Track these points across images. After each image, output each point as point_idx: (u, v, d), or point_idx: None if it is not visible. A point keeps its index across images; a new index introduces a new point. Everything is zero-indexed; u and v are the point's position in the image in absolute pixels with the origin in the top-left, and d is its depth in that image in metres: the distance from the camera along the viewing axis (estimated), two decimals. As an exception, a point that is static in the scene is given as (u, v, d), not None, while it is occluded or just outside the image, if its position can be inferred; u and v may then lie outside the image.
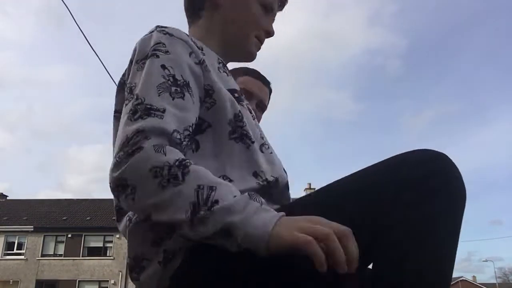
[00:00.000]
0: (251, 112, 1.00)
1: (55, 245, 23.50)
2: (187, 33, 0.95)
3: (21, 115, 51.49)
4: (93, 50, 5.47)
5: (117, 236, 22.64)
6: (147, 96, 0.78)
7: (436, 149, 0.79)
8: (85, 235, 23.27)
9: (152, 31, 0.88)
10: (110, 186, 0.74)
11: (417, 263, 0.70)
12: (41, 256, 23.12)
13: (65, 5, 4.93)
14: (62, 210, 24.90)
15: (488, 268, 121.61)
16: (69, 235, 23.11)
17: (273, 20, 1.08)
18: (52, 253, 23.42)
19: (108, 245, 23.40)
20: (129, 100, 0.80)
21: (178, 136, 0.76)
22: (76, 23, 5.13)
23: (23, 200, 26.59)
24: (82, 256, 22.87)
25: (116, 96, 0.94)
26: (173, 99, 0.79)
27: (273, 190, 0.89)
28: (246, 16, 1.02)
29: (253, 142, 0.88)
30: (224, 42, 1.03)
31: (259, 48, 1.07)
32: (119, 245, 22.74)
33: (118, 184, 0.72)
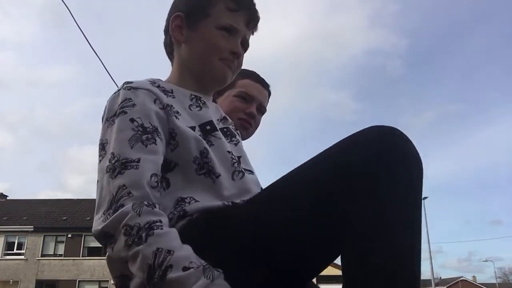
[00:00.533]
0: (231, 136, 1.07)
1: (55, 245, 23.51)
2: (155, 80, 1.03)
3: (23, 115, 51.51)
4: (93, 50, 5.47)
5: (117, 236, 22.57)
6: (121, 152, 0.86)
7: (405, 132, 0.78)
8: (85, 235, 23.25)
9: (120, 89, 0.96)
10: (95, 236, 0.83)
11: (378, 257, 0.69)
12: (41, 256, 23.13)
13: (65, 5, 4.94)
14: (62, 210, 24.90)
15: (488, 268, 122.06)
16: (69, 235, 23.13)
17: (241, 39, 1.09)
18: (52, 253, 23.43)
19: (108, 245, 23.35)
20: (103, 156, 0.89)
21: (156, 179, 0.86)
22: (76, 23, 5.13)
23: (23, 200, 26.59)
24: (82, 256, 22.90)
25: None
26: (146, 146, 0.87)
27: None
28: (204, 43, 1.06)
29: (218, 177, 0.94)
30: (194, 74, 1.09)
31: (232, 69, 1.09)
32: (119, 245, 22.69)
33: (102, 236, 0.82)
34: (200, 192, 0.91)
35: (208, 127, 1.00)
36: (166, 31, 1.12)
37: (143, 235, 0.76)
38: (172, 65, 1.14)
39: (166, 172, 0.92)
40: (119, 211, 0.79)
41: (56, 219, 24.01)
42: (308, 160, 0.83)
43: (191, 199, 0.90)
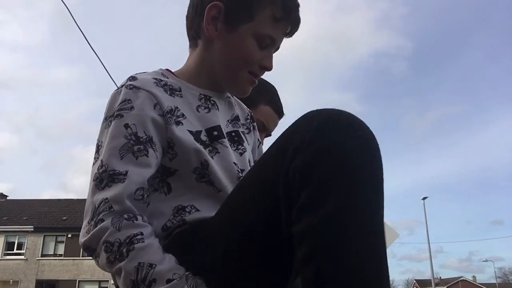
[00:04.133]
0: (238, 143, 1.02)
1: (55, 245, 23.50)
2: (163, 75, 0.98)
3: (28, 116, 51.49)
4: (94, 51, 5.47)
5: (117, 236, 22.60)
6: (110, 162, 0.83)
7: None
8: (85, 235, 23.23)
9: (122, 86, 0.92)
10: (81, 247, 0.83)
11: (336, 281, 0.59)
12: (41, 256, 23.12)
13: (66, 6, 4.94)
14: (62, 210, 24.89)
15: (488, 268, 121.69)
16: (69, 235, 23.10)
17: (274, 51, 1.01)
18: (52, 253, 23.43)
19: (108, 245, 23.35)
20: (96, 160, 0.88)
21: (141, 193, 0.83)
22: (77, 25, 5.13)
23: (23, 200, 26.59)
24: (82, 256, 22.85)
25: None
26: (136, 158, 0.84)
27: None
28: (238, 53, 0.97)
29: (219, 191, 0.90)
30: (215, 76, 1.02)
31: (254, 83, 1.02)
32: (119, 245, 22.70)
33: (85, 248, 0.82)
34: (202, 199, 0.89)
35: (215, 133, 0.96)
36: (199, 14, 0.99)
37: (124, 250, 0.76)
38: (190, 47, 1.06)
39: (167, 177, 0.90)
40: (98, 226, 0.79)
41: (56, 219, 24.00)
42: (253, 166, 0.80)
43: (192, 207, 0.88)
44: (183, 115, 0.93)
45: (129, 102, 0.89)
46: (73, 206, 25.52)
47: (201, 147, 0.91)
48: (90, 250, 0.81)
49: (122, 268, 0.75)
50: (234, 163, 0.96)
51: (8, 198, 27.31)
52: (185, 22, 1.05)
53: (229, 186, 0.92)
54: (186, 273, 0.75)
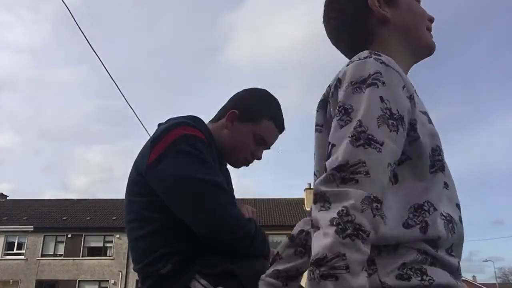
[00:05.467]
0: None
1: (55, 245, 23.52)
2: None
3: (30, 116, 51.41)
4: (95, 53, 5.48)
5: (117, 236, 22.62)
6: (370, 126, 0.78)
7: None
8: (85, 235, 23.26)
9: (366, 57, 0.86)
10: (314, 194, 0.76)
11: None
12: (41, 256, 23.13)
13: (68, 9, 4.94)
14: (62, 210, 24.91)
15: (488, 268, 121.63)
16: (69, 235, 23.13)
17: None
18: (52, 253, 23.44)
19: (108, 245, 23.38)
20: (346, 123, 0.80)
21: (391, 169, 0.78)
22: (78, 26, 5.14)
23: (23, 200, 26.62)
24: (82, 256, 22.90)
25: (317, 111, 0.97)
26: (390, 131, 0.79)
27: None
28: (412, 16, 1.03)
29: (449, 186, 0.88)
30: (407, 50, 1.02)
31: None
32: (119, 245, 22.73)
33: (320, 196, 0.74)
34: (434, 194, 0.84)
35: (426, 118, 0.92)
36: (361, 8, 1.01)
37: (347, 240, 0.68)
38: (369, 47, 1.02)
39: (397, 165, 0.83)
40: (347, 187, 0.72)
41: (56, 219, 24.01)
42: None
43: (429, 204, 0.82)
44: (416, 105, 0.88)
45: (381, 76, 0.82)
46: (73, 206, 25.54)
47: (436, 130, 0.88)
48: (319, 198, 0.74)
49: (332, 244, 0.68)
50: None
51: (8, 198, 27.34)
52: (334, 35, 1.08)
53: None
54: None
